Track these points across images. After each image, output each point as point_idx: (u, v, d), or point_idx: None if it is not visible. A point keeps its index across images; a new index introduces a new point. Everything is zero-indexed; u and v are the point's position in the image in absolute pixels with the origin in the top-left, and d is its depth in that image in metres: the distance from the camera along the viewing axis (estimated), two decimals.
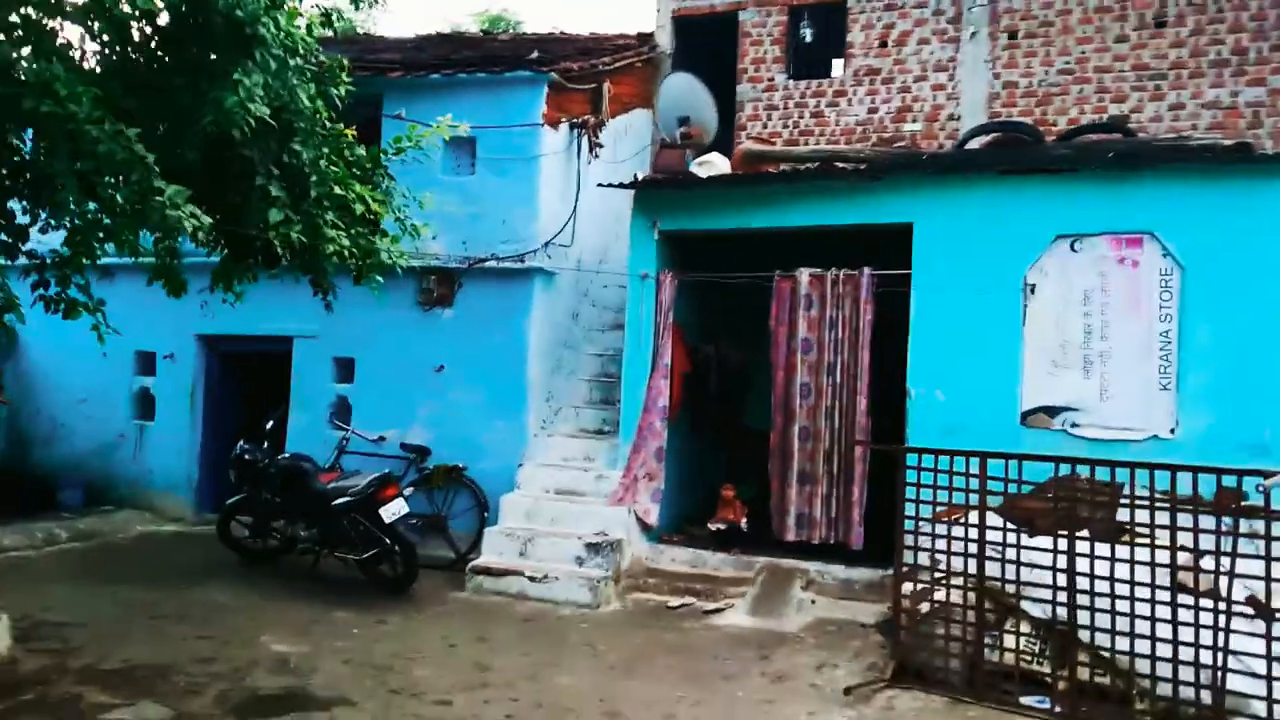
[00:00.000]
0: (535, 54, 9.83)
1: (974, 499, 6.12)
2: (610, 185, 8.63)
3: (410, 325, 9.62)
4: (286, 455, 8.40)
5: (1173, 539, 5.46)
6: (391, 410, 9.63)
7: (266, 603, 7.49)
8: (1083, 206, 7.53)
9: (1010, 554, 5.98)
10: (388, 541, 7.68)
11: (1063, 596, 5.75)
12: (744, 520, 8.68)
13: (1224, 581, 5.32)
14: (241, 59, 4.53)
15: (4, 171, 4.65)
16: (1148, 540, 5.62)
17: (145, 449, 10.54)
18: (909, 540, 6.34)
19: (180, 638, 6.45)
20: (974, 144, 8.53)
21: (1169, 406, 7.24)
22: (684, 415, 9.70)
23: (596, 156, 9.98)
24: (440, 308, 9.57)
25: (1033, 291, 7.67)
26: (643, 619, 7.48)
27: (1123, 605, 5.51)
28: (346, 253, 5.62)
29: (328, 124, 5.91)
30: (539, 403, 9.50)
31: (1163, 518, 5.54)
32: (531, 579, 7.93)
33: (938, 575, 6.18)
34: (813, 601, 7.70)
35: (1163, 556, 5.50)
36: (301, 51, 5.03)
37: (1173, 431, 7.21)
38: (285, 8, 4.84)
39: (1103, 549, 5.72)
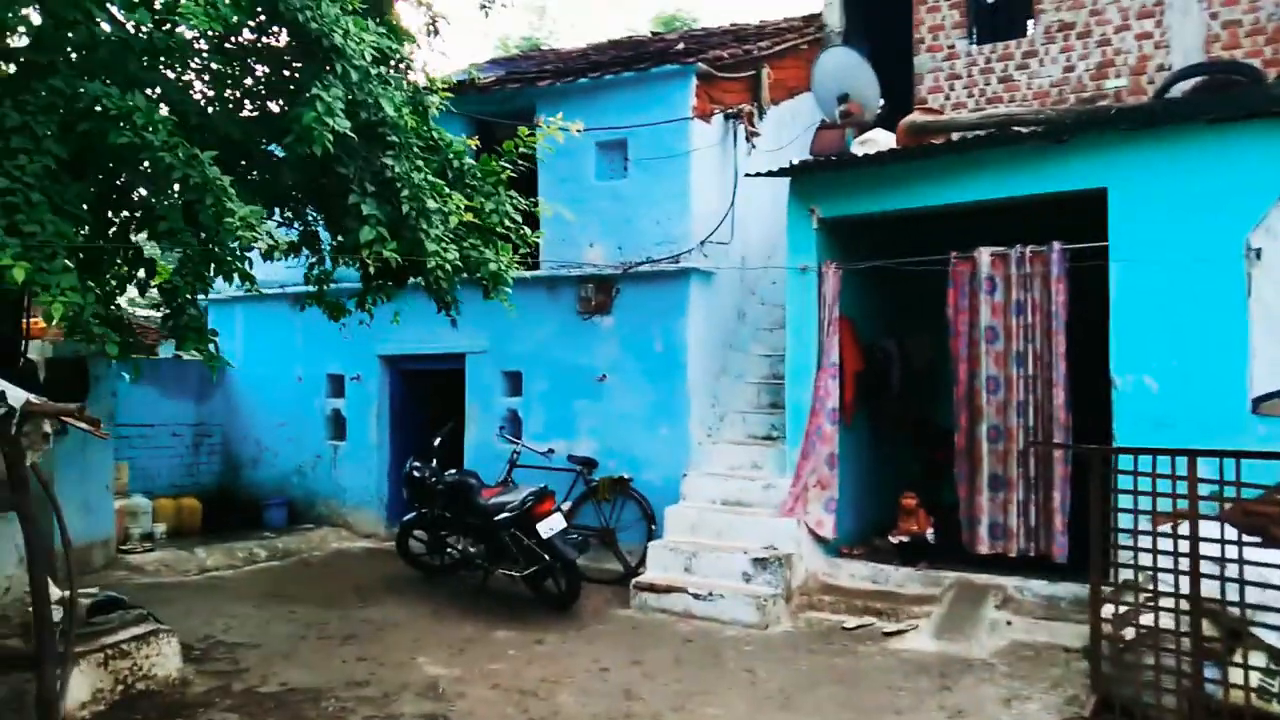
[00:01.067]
0: (681, 45, 9.42)
1: (1186, 504, 5.15)
2: (757, 174, 8.09)
3: (571, 335, 9.47)
4: (454, 471, 8.42)
5: None
6: (558, 422, 9.52)
7: (433, 620, 7.50)
8: None
9: (1237, 570, 4.98)
10: (546, 557, 7.50)
11: None
12: (930, 530, 7.90)
13: None
14: (320, 73, 4.43)
15: (126, 211, 4.79)
16: None
17: (339, 468, 10.98)
18: (1113, 555, 5.45)
19: (341, 659, 6.51)
20: (1177, 92, 7.35)
21: None
22: (862, 417, 9.02)
23: (754, 146, 9.45)
24: (599, 315, 9.35)
25: (1258, 257, 6.47)
26: (813, 641, 6.90)
27: None
28: (450, 266, 5.44)
29: (429, 135, 5.76)
30: (703, 409, 9.09)
31: None
32: (696, 596, 7.52)
33: (1144, 595, 5.24)
34: (1008, 623, 6.85)
35: None
36: (392, 61, 4.88)
37: None
38: (370, 21, 4.72)
39: None
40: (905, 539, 7.89)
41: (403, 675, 6.19)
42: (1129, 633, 5.25)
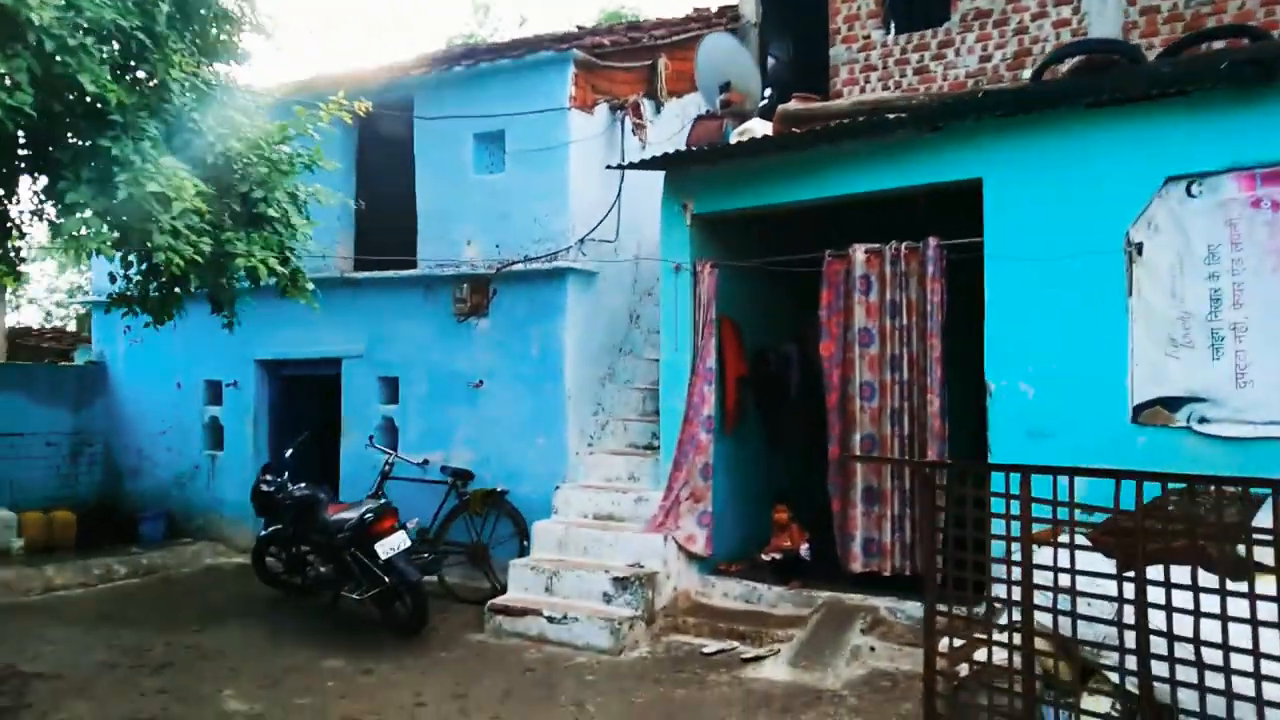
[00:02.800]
0: (561, 33, 8.91)
1: (1056, 525, 4.65)
2: (617, 167, 7.57)
3: (448, 339, 8.93)
4: (304, 485, 7.87)
5: None
6: (436, 431, 8.98)
7: (267, 647, 6.95)
8: (1200, 138, 5.80)
9: (1091, 599, 4.46)
10: (387, 579, 6.95)
11: (1160, 656, 4.18)
12: (805, 546, 7.38)
13: None
14: (8, 43, 3.90)
15: None
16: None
17: (217, 479, 10.41)
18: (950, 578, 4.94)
19: (141, 692, 5.95)
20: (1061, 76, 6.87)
21: None
22: (754, 425, 8.52)
23: (643, 140, 8.93)
24: (475, 318, 8.81)
25: (1139, 252, 5.99)
26: (664, 669, 6.37)
27: (1243, 665, 3.92)
28: (184, 260, 4.85)
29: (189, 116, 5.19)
30: (583, 417, 8.57)
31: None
32: (551, 620, 6.98)
33: (987, 625, 4.74)
34: (872, 649, 6.33)
35: None
36: (87, 26, 4.26)
37: None
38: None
39: (1207, 592, 4.13)
40: (778, 556, 7.37)
41: (198, 711, 5.64)
42: (966, 668, 4.74)
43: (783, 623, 6.85)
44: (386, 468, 8.57)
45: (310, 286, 6.36)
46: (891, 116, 6.45)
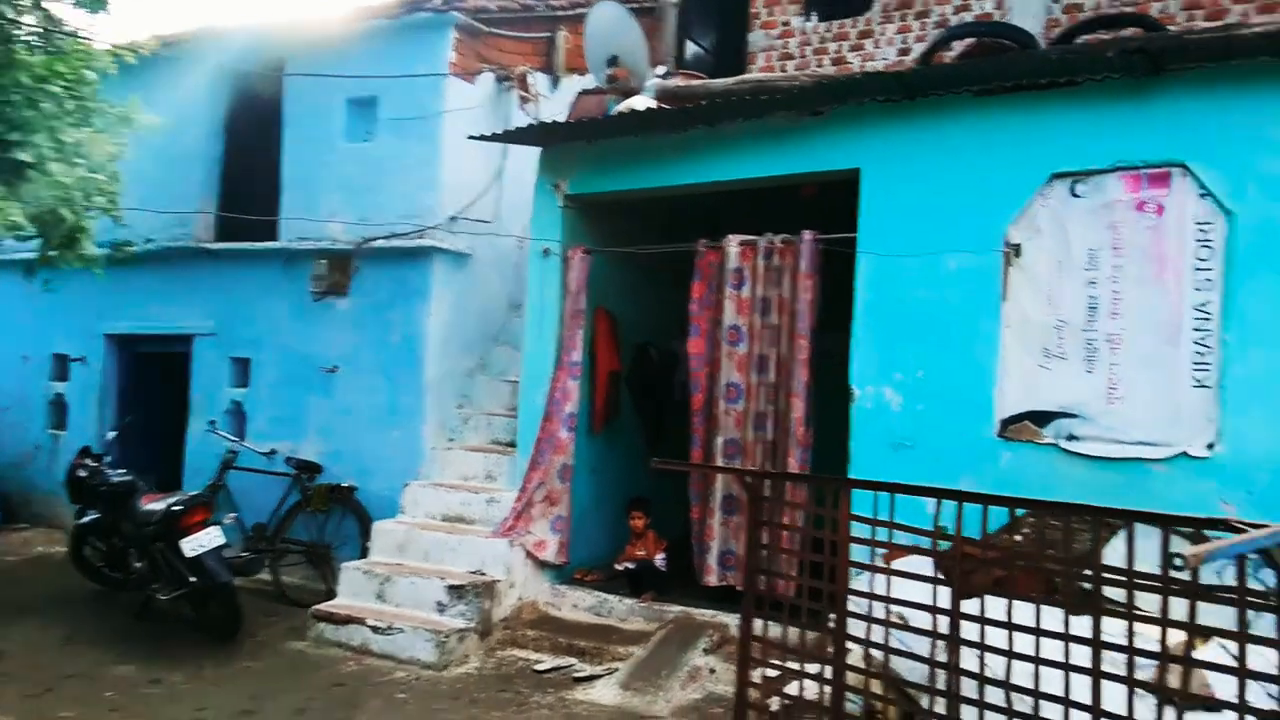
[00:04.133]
0: None
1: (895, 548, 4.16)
2: (479, 138, 6.98)
3: (305, 319, 8.27)
4: (123, 472, 7.16)
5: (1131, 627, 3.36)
6: (287, 419, 8.30)
7: (55, 651, 6.24)
8: (1087, 133, 5.38)
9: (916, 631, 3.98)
10: (193, 579, 6.27)
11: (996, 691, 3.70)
12: (660, 556, 6.84)
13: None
14: None
15: None
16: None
17: (58, 461, 9.57)
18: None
19: None
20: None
21: (1206, 411, 5.01)
22: (629, 425, 7.97)
23: (532, 115, 8.36)
24: (334, 297, 8.16)
25: (1018, 254, 5.55)
26: (488, 688, 5.78)
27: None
28: None
29: None
30: (445, 410, 7.96)
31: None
32: (375, 629, 6.36)
33: (803, 654, 4.24)
34: (712, 670, 5.81)
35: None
36: None
37: (1210, 447, 4.98)
38: None
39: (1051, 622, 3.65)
40: (630, 565, 6.82)
41: None
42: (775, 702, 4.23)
43: (629, 638, 6.30)
44: (229, 456, 7.90)
45: (94, 252, 5.65)
46: (764, 98, 5.95)
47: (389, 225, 7.91)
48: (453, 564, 6.82)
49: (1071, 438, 5.33)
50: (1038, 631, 3.38)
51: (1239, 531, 2.82)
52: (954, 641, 3.59)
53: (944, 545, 4.38)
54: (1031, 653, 3.42)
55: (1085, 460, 5.26)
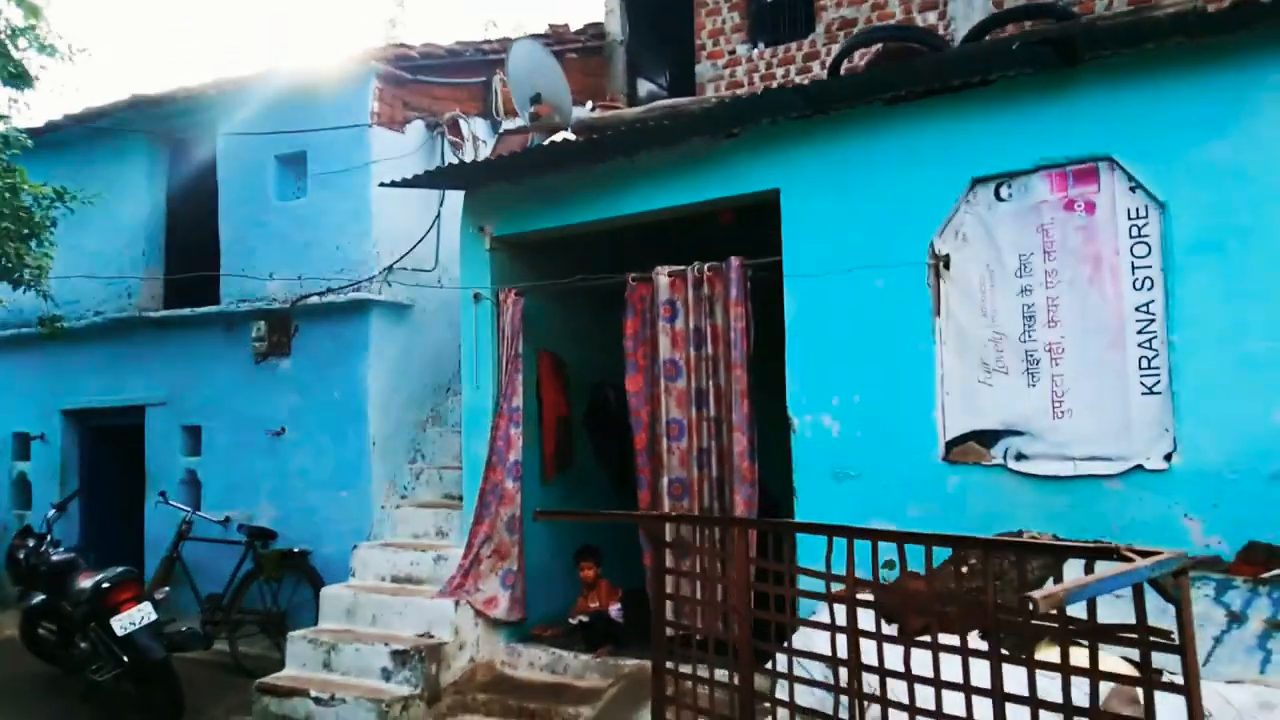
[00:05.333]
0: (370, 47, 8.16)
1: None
2: (390, 184, 6.77)
3: (249, 383, 8.08)
4: (64, 549, 6.99)
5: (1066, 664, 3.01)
6: (239, 485, 8.10)
7: None
8: (1007, 133, 5.08)
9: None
10: (126, 658, 6.05)
11: None
12: (614, 608, 6.53)
13: None
14: None
15: None
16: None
17: None
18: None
19: None
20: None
21: (1160, 419, 4.65)
22: (587, 471, 7.69)
23: (459, 160, 8.15)
24: (276, 358, 7.97)
25: (946, 265, 5.25)
26: None
27: None
28: None
29: None
30: (393, 465, 7.71)
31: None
32: (318, 701, 6.09)
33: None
34: None
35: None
36: None
37: (1169, 458, 4.61)
38: None
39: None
40: (584, 619, 6.51)
41: None
42: None
43: (581, 697, 5.98)
44: (184, 527, 7.79)
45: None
46: (668, 123, 5.69)
47: (325, 281, 7.72)
48: (400, 628, 6.54)
49: (1020, 457, 4.99)
50: (936, 682, 3.05)
51: (1127, 560, 2.49)
52: (856, 689, 3.27)
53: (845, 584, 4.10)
54: (952, 693, 3.09)
55: (1035, 480, 4.92)
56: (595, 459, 7.86)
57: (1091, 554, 2.60)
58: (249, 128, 8.11)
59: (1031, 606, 2.03)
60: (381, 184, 6.93)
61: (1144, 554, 2.39)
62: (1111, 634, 2.55)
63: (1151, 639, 2.47)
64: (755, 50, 10.05)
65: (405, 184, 6.60)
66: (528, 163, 6.30)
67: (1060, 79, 4.91)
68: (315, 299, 7.65)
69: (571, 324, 7.43)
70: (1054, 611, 2.17)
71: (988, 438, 5.09)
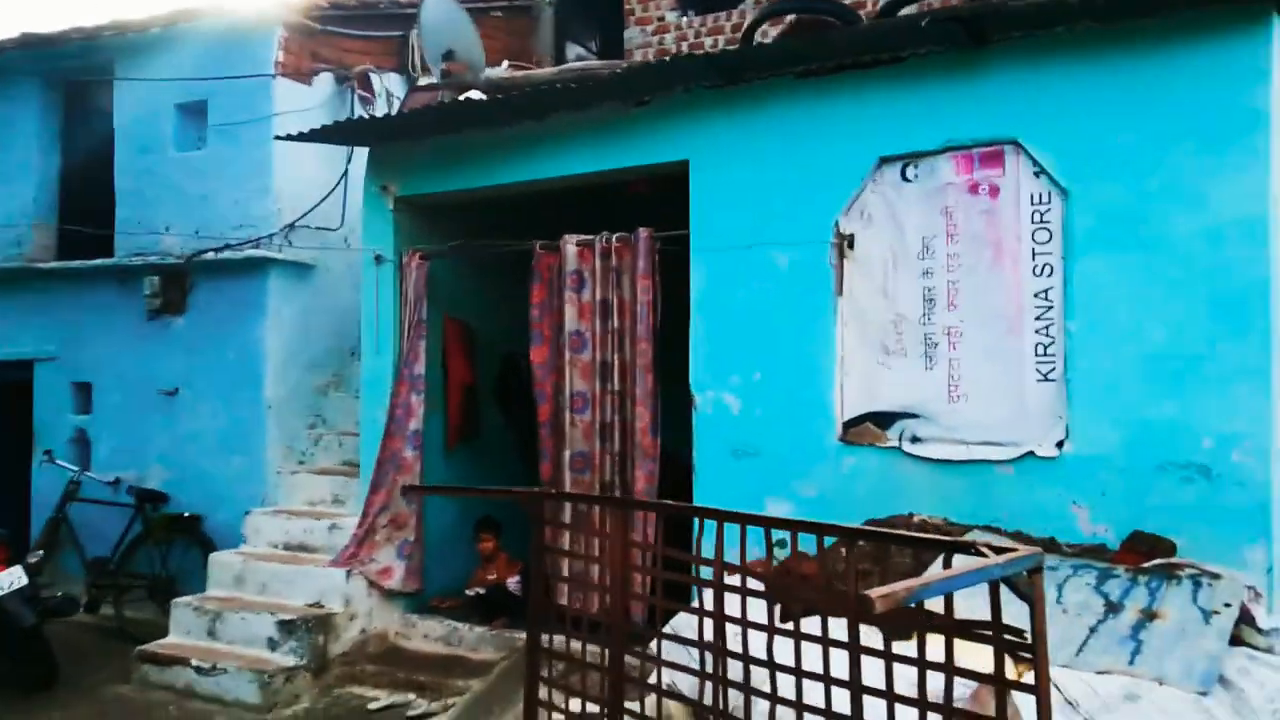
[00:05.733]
0: None
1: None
2: (284, 138, 6.48)
3: (143, 340, 7.75)
4: None
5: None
6: (131, 446, 7.79)
7: None
8: (914, 113, 5.00)
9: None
10: None
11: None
12: (513, 580, 6.43)
13: None
14: None
15: None
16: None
17: None
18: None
19: None
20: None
21: (1053, 406, 4.66)
22: (495, 441, 7.52)
23: (369, 115, 7.85)
24: (171, 315, 7.64)
25: (850, 245, 5.18)
26: None
27: None
28: None
29: None
30: (291, 430, 7.48)
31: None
32: (199, 670, 5.90)
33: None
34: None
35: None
36: None
37: (1060, 445, 4.62)
38: None
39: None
40: (481, 591, 6.40)
41: None
42: None
43: (474, 670, 5.88)
44: (71, 487, 7.50)
45: None
46: (574, 86, 5.50)
47: (223, 238, 7.41)
48: (290, 597, 6.36)
49: (915, 439, 4.97)
50: (796, 671, 3.00)
51: (982, 555, 2.43)
52: (720, 675, 3.21)
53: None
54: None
55: (929, 463, 4.91)
56: (506, 430, 7.70)
57: (950, 548, 2.55)
58: (148, 73, 7.72)
59: (866, 606, 1.96)
60: (277, 137, 6.63)
61: (1000, 550, 2.34)
62: (968, 630, 2.50)
63: (1006, 637, 2.42)
64: (685, 18, 9.85)
65: (302, 138, 6.32)
66: (429, 120, 6.08)
67: (970, 59, 4.84)
68: (211, 255, 7.34)
69: (483, 291, 7.24)
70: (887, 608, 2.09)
71: (884, 419, 5.06)
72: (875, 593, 1.97)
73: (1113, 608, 3.82)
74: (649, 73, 5.42)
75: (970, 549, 2.40)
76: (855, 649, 2.76)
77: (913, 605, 2.21)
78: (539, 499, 4.12)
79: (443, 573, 6.79)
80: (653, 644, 3.76)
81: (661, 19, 9.97)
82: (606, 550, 3.79)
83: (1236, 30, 4.29)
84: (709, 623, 3.37)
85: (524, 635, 5.98)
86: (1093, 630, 3.68)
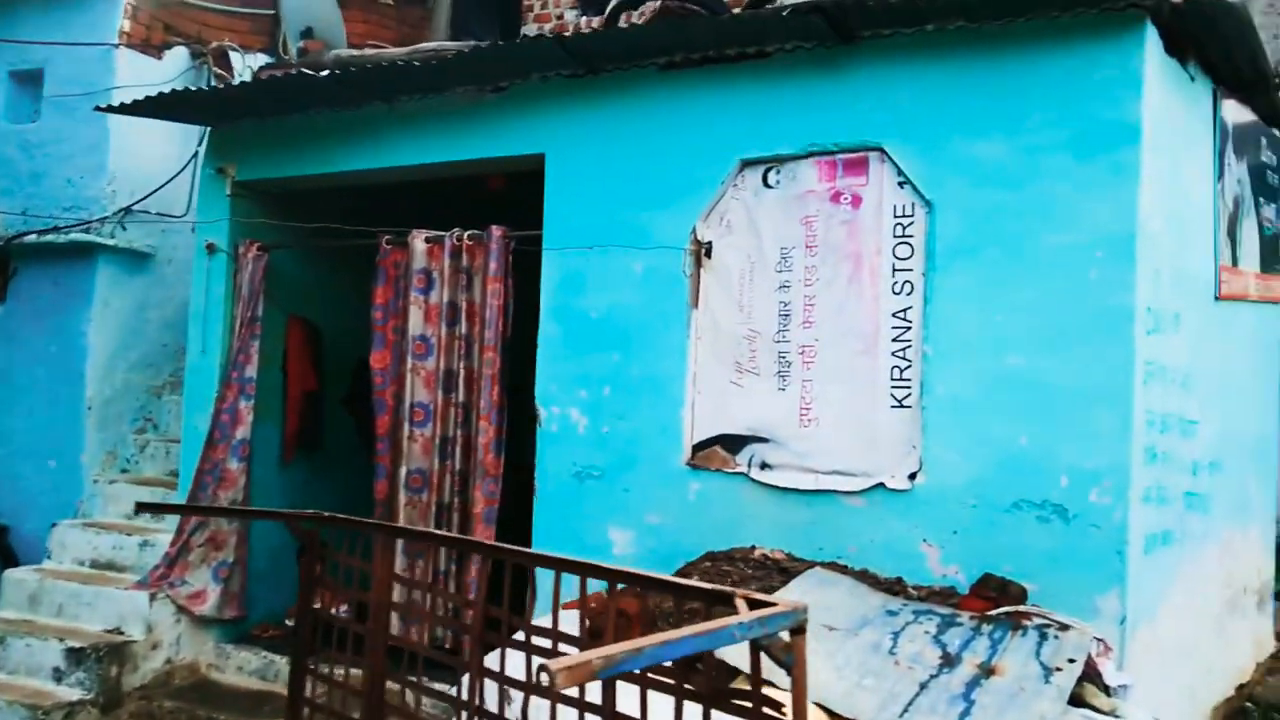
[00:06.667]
0: None
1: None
2: (108, 109, 5.89)
3: None
4: None
5: None
6: None
7: None
8: (779, 113, 4.64)
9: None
10: None
11: None
12: (343, 607, 5.83)
13: None
14: None
15: None
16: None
17: None
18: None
19: None
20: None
21: (908, 435, 4.29)
22: (346, 454, 6.94)
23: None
24: None
25: (708, 254, 4.78)
26: None
27: None
28: None
29: None
30: (116, 435, 6.83)
31: None
32: None
33: None
34: None
35: None
36: None
37: (913, 477, 4.25)
38: None
39: None
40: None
41: None
42: None
43: (284, 708, 5.28)
44: None
45: None
46: (420, 64, 5.02)
47: (51, 219, 6.74)
48: (88, 621, 5.70)
49: (764, 466, 4.57)
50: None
51: (736, 610, 2.00)
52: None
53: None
54: None
55: (776, 492, 4.51)
56: (359, 442, 7.12)
57: (711, 599, 2.12)
58: None
59: (548, 679, 1.51)
60: (97, 108, 6.01)
61: (758, 604, 1.91)
62: (726, 699, 2.06)
63: (765, 710, 1.98)
64: (584, 18, 9.46)
65: (121, 110, 5.74)
66: (255, 94, 5.55)
67: (836, 58, 4.50)
68: (34, 238, 6.66)
69: (335, 290, 6.69)
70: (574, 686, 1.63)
71: (735, 443, 4.65)
72: (559, 664, 1.52)
73: (949, 661, 3.43)
74: (499, 55, 4.96)
75: (730, 600, 1.96)
76: (581, 705, 2.31)
77: (620, 672, 1.76)
78: (302, 522, 3.60)
79: (272, 598, 6.19)
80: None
81: (560, 17, 9.59)
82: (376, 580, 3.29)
83: (1109, 38, 4.00)
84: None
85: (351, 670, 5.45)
86: (923, 687, 3.28)
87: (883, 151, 4.39)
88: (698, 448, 4.72)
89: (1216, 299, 5.06)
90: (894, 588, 4.12)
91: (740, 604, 1.89)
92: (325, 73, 5.67)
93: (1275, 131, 5.92)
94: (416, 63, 4.95)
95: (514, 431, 5.41)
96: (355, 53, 5.81)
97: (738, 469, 4.60)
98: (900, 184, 4.37)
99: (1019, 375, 4.06)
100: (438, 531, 4.59)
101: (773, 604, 1.92)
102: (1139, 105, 3.93)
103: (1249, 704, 5.66)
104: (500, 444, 5.34)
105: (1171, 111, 4.33)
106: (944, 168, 4.27)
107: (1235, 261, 5.29)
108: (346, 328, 6.83)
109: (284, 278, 6.29)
